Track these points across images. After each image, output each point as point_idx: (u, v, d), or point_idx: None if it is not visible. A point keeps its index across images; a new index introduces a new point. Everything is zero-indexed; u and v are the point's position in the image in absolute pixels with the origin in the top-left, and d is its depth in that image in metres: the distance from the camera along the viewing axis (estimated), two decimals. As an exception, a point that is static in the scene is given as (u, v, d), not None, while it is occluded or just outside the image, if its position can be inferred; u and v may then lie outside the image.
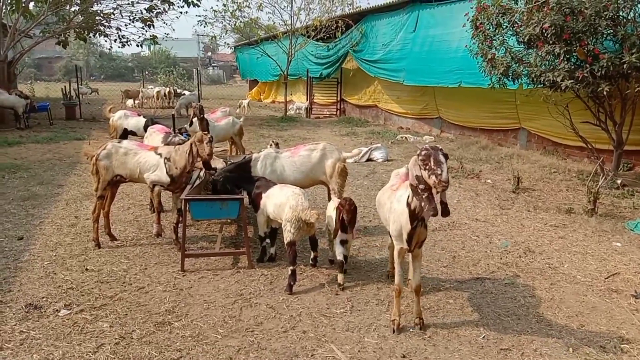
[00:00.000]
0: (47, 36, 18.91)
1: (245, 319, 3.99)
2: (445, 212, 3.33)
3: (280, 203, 4.64)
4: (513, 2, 8.36)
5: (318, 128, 17.38)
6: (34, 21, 17.54)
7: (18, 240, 5.67)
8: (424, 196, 3.24)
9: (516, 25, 8.12)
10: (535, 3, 7.62)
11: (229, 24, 21.67)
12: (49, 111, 16.81)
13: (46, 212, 6.81)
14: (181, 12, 20.10)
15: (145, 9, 19.25)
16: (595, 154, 8.72)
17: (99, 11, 19.00)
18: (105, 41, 21.27)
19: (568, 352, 3.57)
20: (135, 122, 9.40)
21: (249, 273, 4.89)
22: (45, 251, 5.37)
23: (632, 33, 7.13)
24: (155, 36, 20.81)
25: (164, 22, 23.18)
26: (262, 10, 21.77)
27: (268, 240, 5.14)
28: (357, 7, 21.23)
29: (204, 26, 21.86)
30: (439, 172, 3.14)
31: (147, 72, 43.70)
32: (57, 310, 4.06)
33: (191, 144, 5.19)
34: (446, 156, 3.24)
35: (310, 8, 20.71)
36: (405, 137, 14.47)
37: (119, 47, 22.29)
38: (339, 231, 4.53)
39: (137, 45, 21.57)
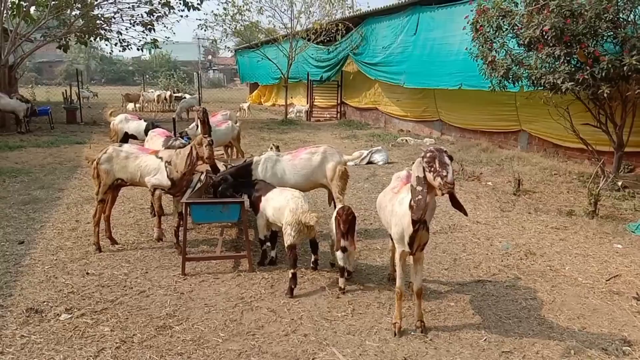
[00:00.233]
0: (48, 40, 18.94)
1: (246, 323, 3.98)
2: (464, 211, 3.51)
3: (280, 206, 4.64)
4: (513, 4, 8.37)
5: (318, 131, 17.39)
6: (35, 25, 17.58)
7: (19, 245, 5.67)
8: (417, 198, 3.25)
9: (516, 27, 8.14)
10: (535, 6, 7.63)
11: (229, 27, 21.73)
12: (49, 115, 16.84)
13: (47, 216, 6.81)
14: (181, 16, 20.15)
15: (145, 12, 19.30)
16: (595, 156, 8.72)
17: (99, 15, 19.06)
18: (106, 45, 21.33)
19: (570, 355, 3.57)
20: (135, 125, 9.39)
21: (249, 276, 4.89)
22: (46, 255, 5.36)
23: (632, 35, 7.14)
24: (156, 40, 20.86)
25: (165, 26, 23.30)
26: (262, 14, 21.83)
27: (268, 244, 5.13)
28: (357, 10, 21.30)
29: (205, 30, 21.78)
30: (445, 173, 3.14)
31: (147, 76, 43.79)
32: (58, 314, 4.06)
33: (192, 147, 5.19)
34: (451, 158, 3.24)
35: (310, 11, 20.77)
36: (406, 140, 14.48)
37: (119, 50, 22.43)
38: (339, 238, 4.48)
39: (138, 49, 21.63)
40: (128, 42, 20.68)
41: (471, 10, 8.98)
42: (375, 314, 4.14)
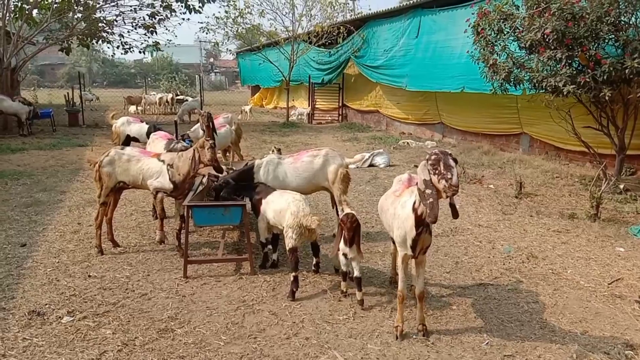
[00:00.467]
0: (50, 43, 18.99)
1: (247, 326, 3.98)
2: (455, 214, 3.41)
3: (281, 209, 4.64)
4: (514, 8, 8.38)
5: (320, 134, 17.41)
6: (37, 28, 17.62)
7: (21, 247, 5.68)
8: (429, 201, 3.23)
9: (518, 30, 8.14)
10: (536, 9, 7.64)
11: (231, 30, 21.77)
12: (52, 118, 16.87)
13: (49, 218, 6.82)
14: (183, 19, 20.12)
15: (147, 15, 19.33)
16: (597, 158, 8.71)
17: (101, 18, 19.08)
18: (108, 48, 21.23)
19: (572, 359, 3.56)
20: (137, 128, 9.41)
21: (251, 279, 4.89)
22: (48, 258, 5.37)
23: (634, 38, 7.15)
24: (158, 42, 20.88)
25: (167, 29, 23.19)
26: (264, 17, 21.86)
27: (270, 247, 5.14)
28: (358, 13, 21.33)
29: (206, 33, 21.82)
30: (449, 176, 3.14)
31: (149, 79, 43.85)
32: (60, 317, 4.06)
33: (194, 150, 5.21)
34: (455, 161, 3.24)
35: (311, 14, 20.81)
36: (407, 143, 14.48)
37: (121, 53, 22.27)
38: (342, 244, 4.35)
39: (140, 52, 21.62)
40: (130, 44, 20.71)
41: (472, 14, 8.99)
42: (377, 317, 4.14)
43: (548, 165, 10.45)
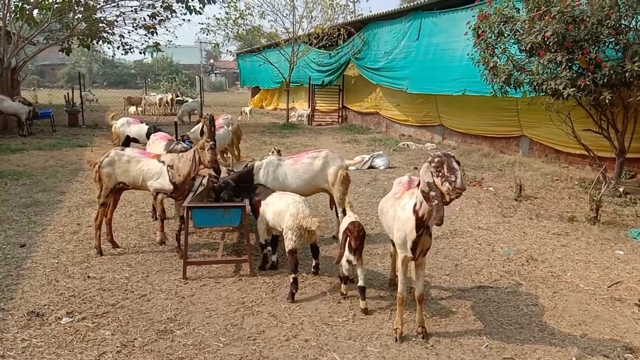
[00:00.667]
0: (51, 43, 19.00)
1: (247, 327, 3.98)
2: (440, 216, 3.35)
3: (280, 211, 4.64)
4: (515, 10, 8.38)
5: (320, 135, 17.41)
6: (38, 28, 17.62)
7: (20, 248, 5.67)
8: (434, 203, 3.21)
9: (518, 33, 8.15)
10: (537, 12, 7.65)
11: (231, 31, 21.78)
12: (51, 118, 16.87)
13: (48, 219, 6.82)
14: (184, 20, 20.08)
15: (148, 16, 19.33)
16: (597, 161, 8.72)
17: (102, 18, 19.08)
18: (108, 48, 21.26)
19: (571, 362, 3.56)
20: (137, 129, 9.42)
21: (250, 281, 4.89)
22: (47, 258, 5.37)
23: (634, 41, 7.16)
24: (158, 43, 20.88)
25: (167, 30, 23.22)
26: (264, 18, 21.90)
27: (269, 248, 5.13)
28: (359, 15, 21.34)
29: (207, 34, 21.83)
30: (453, 178, 3.12)
31: (149, 79, 43.87)
32: (59, 318, 4.06)
33: (194, 152, 5.21)
34: (458, 163, 3.22)
35: (312, 16, 20.84)
36: (407, 145, 14.49)
37: (122, 54, 22.36)
38: (346, 252, 4.29)
39: (140, 53, 21.63)
40: (130, 45, 20.71)
41: (473, 16, 9.00)
42: (377, 320, 4.14)
43: (548, 168, 10.45)
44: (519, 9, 8.37)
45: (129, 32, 20.01)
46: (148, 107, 24.95)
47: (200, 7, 19.09)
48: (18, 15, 16.80)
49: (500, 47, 8.55)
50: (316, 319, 4.13)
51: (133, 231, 6.42)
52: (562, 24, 7.22)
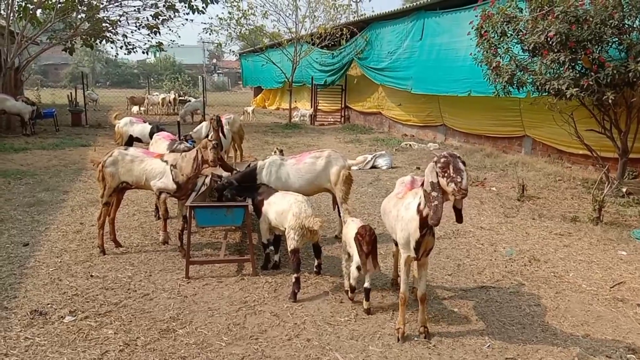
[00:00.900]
0: (54, 43, 19.03)
1: (249, 327, 3.99)
2: (460, 219, 3.39)
3: (283, 210, 4.64)
4: (518, 10, 8.37)
5: (322, 135, 17.42)
6: (41, 28, 17.65)
7: (23, 247, 5.69)
8: (433, 204, 3.22)
9: (521, 33, 8.14)
10: (540, 11, 7.64)
11: (234, 31, 21.78)
12: (55, 117, 16.91)
13: (52, 218, 6.84)
14: (187, 20, 20.07)
15: (151, 16, 19.36)
16: (600, 162, 8.70)
17: (105, 18, 19.11)
18: (111, 48, 21.38)
19: (574, 362, 3.56)
20: (140, 128, 9.42)
21: (253, 280, 4.89)
22: (50, 257, 5.38)
23: (637, 41, 7.14)
24: (161, 43, 20.90)
25: (170, 29, 23.19)
26: (267, 18, 21.82)
27: (272, 248, 5.14)
28: (361, 15, 21.32)
29: (210, 33, 21.84)
30: (459, 179, 3.13)
31: (152, 79, 43.93)
32: (62, 316, 4.07)
33: (197, 151, 5.22)
34: (464, 164, 3.23)
35: (315, 16, 20.79)
36: (410, 145, 14.48)
37: (124, 53, 22.31)
38: (356, 257, 4.17)
39: (143, 52, 21.65)
40: (133, 45, 20.74)
41: (476, 16, 8.99)
42: (379, 319, 4.14)
43: (550, 168, 10.43)
44: (522, 9, 8.36)
45: (132, 32, 20.06)
46: (151, 107, 24.99)
47: (203, 7, 19.09)
48: (21, 15, 16.83)
49: (503, 47, 8.54)
50: (318, 319, 4.13)
51: (136, 230, 6.43)
52: (565, 24, 7.21)
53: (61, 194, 8.15)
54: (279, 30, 22.09)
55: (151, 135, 8.47)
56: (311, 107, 22.37)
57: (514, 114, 12.03)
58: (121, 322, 4.00)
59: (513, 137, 12.58)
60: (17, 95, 15.75)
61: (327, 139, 16.39)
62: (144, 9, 18.95)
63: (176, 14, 19.33)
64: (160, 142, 7.12)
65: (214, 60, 73.79)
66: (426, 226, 3.50)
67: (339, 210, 5.95)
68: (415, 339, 3.83)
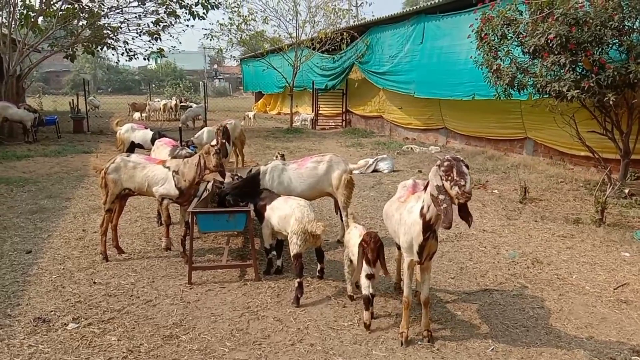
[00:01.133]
0: (56, 50, 19.12)
1: (252, 332, 3.98)
2: (469, 222, 3.38)
3: (285, 215, 4.65)
4: (518, 13, 8.38)
5: (324, 139, 17.43)
6: (43, 35, 17.74)
7: (26, 254, 5.70)
8: (442, 207, 3.21)
9: (521, 36, 8.13)
10: (540, 14, 7.64)
11: (234, 36, 21.85)
12: (56, 124, 16.94)
13: (54, 225, 6.85)
14: (187, 26, 20.25)
15: (152, 22, 19.44)
16: (602, 163, 8.69)
17: (106, 25, 19.20)
18: (113, 54, 21.45)
19: (578, 365, 3.55)
20: (142, 135, 9.45)
21: (255, 285, 4.89)
22: (53, 264, 5.39)
23: (637, 43, 7.14)
24: (162, 49, 20.97)
25: (171, 35, 23.35)
26: (267, 23, 21.91)
27: (274, 253, 5.14)
28: (361, 19, 21.38)
29: (210, 39, 21.89)
30: (462, 183, 3.12)
31: (153, 85, 44.05)
32: (65, 324, 4.07)
33: (199, 157, 5.23)
34: (468, 167, 3.22)
35: (315, 21, 20.87)
36: (411, 148, 14.48)
37: (126, 60, 22.48)
38: (364, 264, 3.96)
39: (144, 59, 21.76)
40: (134, 51, 20.82)
41: (476, 19, 9.00)
42: (382, 324, 4.13)
43: (552, 170, 10.42)
44: (522, 12, 8.36)
45: (133, 39, 20.16)
46: (152, 113, 25.05)
47: (203, 13, 19.19)
48: (23, 23, 16.92)
49: (504, 50, 8.54)
50: (321, 323, 4.13)
51: (138, 237, 6.44)
52: (565, 26, 7.21)
53: (63, 201, 8.17)
54: (280, 36, 22.17)
55: (153, 141, 8.50)
56: (312, 111, 22.40)
57: (515, 116, 12.03)
58: (124, 329, 4.00)
59: (514, 140, 12.57)
60: (19, 103, 15.82)
61: (329, 143, 16.40)
62: (145, 16, 19.06)
63: (177, 20, 19.41)
64: (162, 148, 7.14)
65: (215, 66, 73.96)
66: (429, 230, 3.50)
67: (341, 215, 5.95)
68: (419, 343, 3.83)
